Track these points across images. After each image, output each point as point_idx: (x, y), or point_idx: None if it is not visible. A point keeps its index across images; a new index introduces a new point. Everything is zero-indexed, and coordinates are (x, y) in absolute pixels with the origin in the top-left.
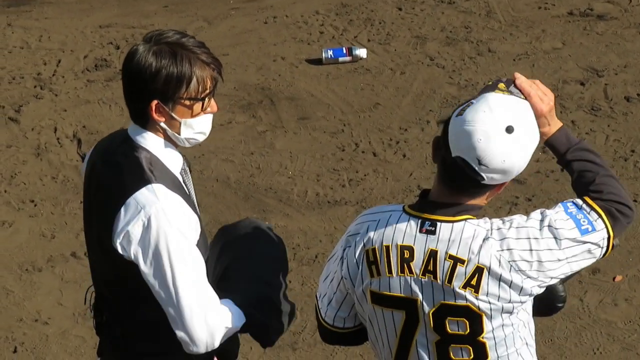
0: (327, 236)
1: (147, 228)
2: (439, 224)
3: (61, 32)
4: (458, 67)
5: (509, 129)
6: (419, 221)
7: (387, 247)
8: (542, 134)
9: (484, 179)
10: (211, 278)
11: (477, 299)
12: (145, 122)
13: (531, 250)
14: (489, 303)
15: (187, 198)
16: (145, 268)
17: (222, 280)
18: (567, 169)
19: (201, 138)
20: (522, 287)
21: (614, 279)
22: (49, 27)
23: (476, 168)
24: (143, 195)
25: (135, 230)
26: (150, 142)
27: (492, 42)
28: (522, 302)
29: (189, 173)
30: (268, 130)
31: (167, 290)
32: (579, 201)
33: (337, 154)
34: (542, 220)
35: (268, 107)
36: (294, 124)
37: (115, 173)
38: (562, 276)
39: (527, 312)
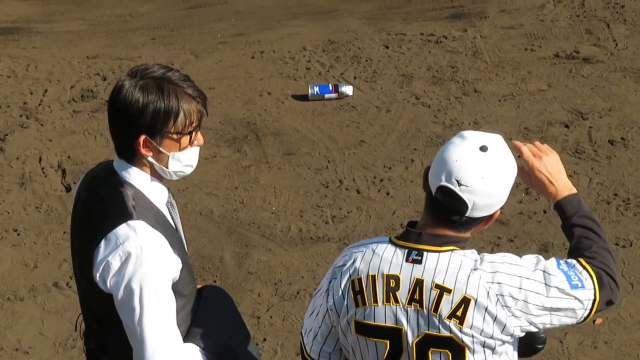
0: (309, 272)
1: (124, 263)
2: (425, 253)
3: (48, 62)
4: (444, 106)
5: (483, 148)
6: (406, 251)
7: (373, 277)
8: (548, 196)
9: (467, 206)
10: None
11: (460, 331)
12: (132, 157)
13: (520, 288)
14: (472, 337)
15: (171, 233)
16: (117, 301)
17: (189, 331)
18: (568, 232)
19: (188, 171)
20: (505, 325)
21: (594, 321)
22: (36, 57)
23: (457, 191)
24: (123, 230)
25: (113, 263)
26: (136, 177)
27: (478, 83)
28: (503, 342)
29: (175, 206)
30: (253, 165)
31: (134, 325)
32: (573, 261)
33: (321, 191)
34: (537, 263)
35: (253, 141)
36: (279, 159)
37: (99, 205)
38: (541, 326)
39: (509, 358)
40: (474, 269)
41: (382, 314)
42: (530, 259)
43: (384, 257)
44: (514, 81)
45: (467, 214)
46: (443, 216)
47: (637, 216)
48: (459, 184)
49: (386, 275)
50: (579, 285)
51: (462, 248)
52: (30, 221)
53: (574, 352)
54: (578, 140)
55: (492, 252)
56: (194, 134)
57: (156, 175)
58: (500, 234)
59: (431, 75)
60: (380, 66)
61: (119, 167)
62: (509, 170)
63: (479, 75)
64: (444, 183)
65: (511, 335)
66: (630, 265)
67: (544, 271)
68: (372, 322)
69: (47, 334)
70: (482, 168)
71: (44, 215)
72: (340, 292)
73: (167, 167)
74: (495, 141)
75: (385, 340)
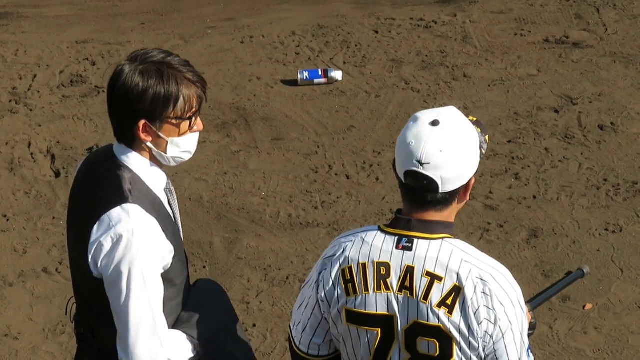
0: (298, 257)
1: (115, 245)
2: (415, 240)
3: (37, 47)
4: (433, 91)
5: (434, 123)
6: (396, 238)
7: (364, 265)
8: None
9: (436, 182)
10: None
11: (449, 320)
12: (131, 142)
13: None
14: (459, 328)
15: (166, 220)
16: (106, 283)
17: (177, 319)
18: None
19: (187, 157)
20: (476, 328)
21: (584, 307)
22: (25, 42)
23: (422, 171)
24: (117, 213)
25: (105, 245)
26: (134, 161)
27: (468, 67)
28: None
29: (174, 193)
30: (242, 150)
31: (119, 308)
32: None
33: (310, 176)
34: (520, 307)
35: (242, 127)
36: (268, 144)
37: (95, 188)
38: (481, 349)
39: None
40: (465, 261)
41: (374, 302)
42: (518, 298)
43: (374, 245)
44: (504, 66)
45: (440, 190)
46: (420, 199)
47: (626, 201)
48: (421, 164)
49: (377, 262)
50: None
51: (452, 234)
52: (20, 206)
53: (564, 337)
54: (568, 125)
55: (481, 237)
56: (193, 119)
57: (155, 161)
58: (489, 219)
59: (420, 60)
60: (370, 51)
61: (119, 151)
62: (466, 137)
63: (469, 60)
64: (407, 168)
65: (475, 349)
66: (620, 250)
67: (520, 313)
68: (364, 311)
69: (36, 319)
70: (438, 142)
71: (33, 200)
72: (331, 282)
73: (165, 153)
74: (446, 113)
75: (377, 329)
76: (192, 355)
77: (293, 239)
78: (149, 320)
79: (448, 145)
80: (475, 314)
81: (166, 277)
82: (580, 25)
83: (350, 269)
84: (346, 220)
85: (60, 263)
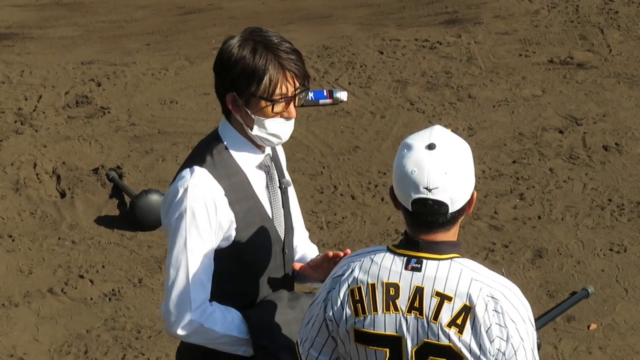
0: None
1: (170, 198)
2: (424, 261)
3: (43, 68)
4: (438, 112)
5: (430, 146)
6: (405, 259)
7: (373, 285)
8: None
9: (447, 205)
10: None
11: (459, 339)
12: (228, 114)
13: (512, 320)
14: (469, 347)
15: (239, 193)
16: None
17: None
18: None
19: (275, 140)
20: (488, 346)
21: (588, 327)
22: (30, 62)
23: (431, 197)
24: (185, 172)
25: (166, 198)
26: (228, 134)
27: (473, 88)
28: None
29: (275, 177)
30: None
31: (166, 261)
32: None
33: (315, 196)
34: (531, 324)
35: None
36: None
37: (190, 155)
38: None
39: None
40: (475, 280)
41: (382, 322)
42: (528, 316)
43: (383, 265)
44: (508, 87)
45: (450, 210)
46: (428, 223)
47: (631, 222)
48: (429, 190)
49: (386, 283)
50: None
51: (460, 254)
52: (25, 227)
53: (569, 357)
54: (572, 145)
55: (486, 257)
56: (277, 104)
57: (247, 137)
58: (494, 239)
59: (425, 81)
60: (375, 72)
61: (221, 124)
62: (464, 153)
63: (473, 80)
64: (415, 196)
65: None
66: (625, 270)
67: (531, 328)
68: (372, 331)
69: (42, 340)
70: (441, 165)
71: (39, 221)
72: (340, 301)
73: (251, 130)
74: (437, 133)
75: (385, 349)
76: (239, 335)
77: None
78: (183, 278)
79: (451, 166)
80: (487, 332)
81: (231, 251)
82: (585, 46)
83: (359, 289)
84: (351, 241)
85: (66, 283)
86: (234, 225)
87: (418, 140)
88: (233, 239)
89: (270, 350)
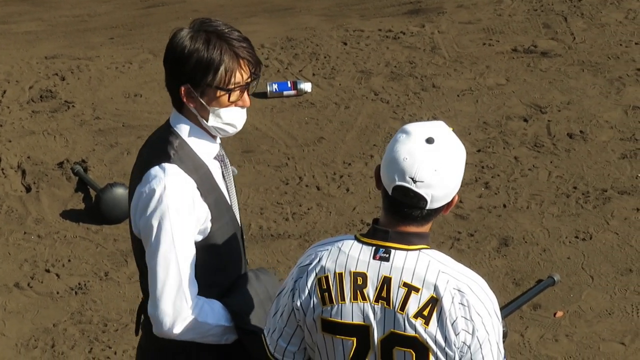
0: (270, 269)
1: (147, 199)
2: (393, 251)
3: (7, 63)
4: (402, 102)
5: (429, 140)
6: (373, 248)
7: (340, 275)
8: None
9: (426, 201)
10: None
11: (425, 331)
12: (180, 107)
13: (478, 313)
14: (435, 338)
15: (208, 185)
16: (142, 240)
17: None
18: None
19: (231, 130)
20: (454, 339)
21: (554, 314)
22: None
23: (414, 188)
24: (155, 171)
25: (140, 200)
26: (184, 127)
27: (437, 78)
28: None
29: (228, 166)
30: None
31: (149, 263)
32: None
33: (280, 188)
34: (497, 317)
35: None
36: (238, 157)
37: (147, 152)
38: (458, 359)
39: None
40: (443, 272)
41: (350, 312)
42: (495, 310)
43: (351, 255)
44: (472, 76)
45: (427, 207)
46: (404, 213)
47: (596, 209)
48: (414, 181)
49: (353, 272)
50: None
51: (429, 245)
52: None
53: (535, 345)
54: (537, 134)
55: (452, 246)
56: (233, 92)
57: (203, 129)
58: (460, 228)
59: (389, 71)
60: (339, 63)
61: (173, 118)
62: (459, 156)
63: (437, 70)
64: (399, 183)
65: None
66: (591, 258)
67: (498, 322)
68: (339, 320)
69: (8, 334)
70: (434, 161)
71: (5, 215)
72: (307, 290)
73: (207, 121)
74: (440, 130)
75: (352, 338)
76: (227, 324)
77: (264, 250)
78: (175, 276)
79: (443, 166)
80: (452, 324)
81: (206, 244)
82: (548, 35)
83: (326, 278)
84: (317, 232)
85: (32, 278)
86: (209, 217)
87: (419, 130)
88: (209, 231)
89: (258, 334)
